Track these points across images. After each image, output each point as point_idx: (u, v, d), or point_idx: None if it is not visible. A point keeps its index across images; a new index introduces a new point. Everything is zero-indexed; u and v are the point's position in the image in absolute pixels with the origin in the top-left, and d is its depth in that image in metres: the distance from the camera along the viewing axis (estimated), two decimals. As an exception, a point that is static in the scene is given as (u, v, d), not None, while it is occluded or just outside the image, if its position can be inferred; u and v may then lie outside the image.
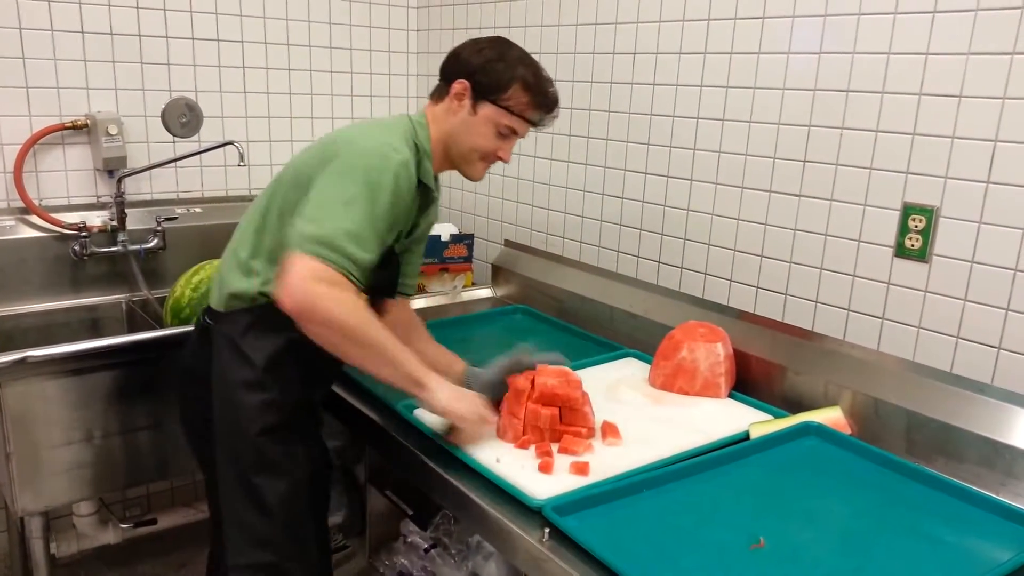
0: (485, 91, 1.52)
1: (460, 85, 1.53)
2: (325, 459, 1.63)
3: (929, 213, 1.56)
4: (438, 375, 1.44)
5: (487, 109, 1.53)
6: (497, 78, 1.52)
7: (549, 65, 2.36)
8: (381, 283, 1.55)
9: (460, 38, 1.64)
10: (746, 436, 1.55)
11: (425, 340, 1.75)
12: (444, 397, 1.41)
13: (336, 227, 1.33)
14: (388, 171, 1.39)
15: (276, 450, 1.49)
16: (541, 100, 1.55)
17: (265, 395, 1.48)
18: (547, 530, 1.21)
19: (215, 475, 1.56)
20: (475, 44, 1.57)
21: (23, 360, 1.78)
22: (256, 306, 1.49)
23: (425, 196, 1.58)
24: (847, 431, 1.58)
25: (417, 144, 1.52)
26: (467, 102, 1.53)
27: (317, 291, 1.30)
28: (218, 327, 1.53)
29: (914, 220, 1.58)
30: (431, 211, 1.65)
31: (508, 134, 1.56)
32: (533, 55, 1.58)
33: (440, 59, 1.61)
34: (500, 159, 1.59)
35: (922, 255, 1.58)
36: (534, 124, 1.58)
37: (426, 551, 1.61)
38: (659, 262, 2.14)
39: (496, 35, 1.63)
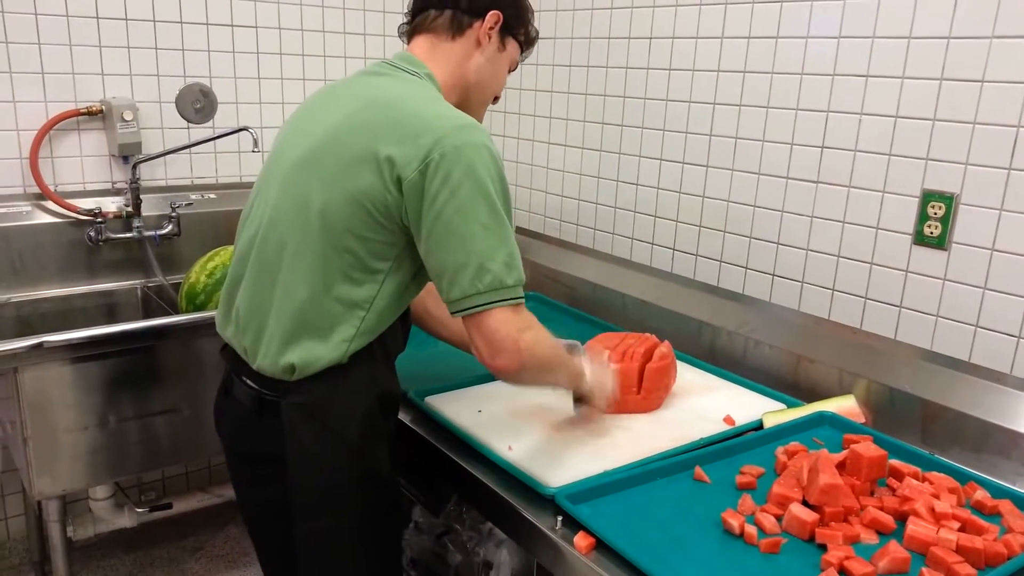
0: (514, 24, 1.38)
1: (494, 17, 1.34)
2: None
3: (949, 200, 1.54)
4: (580, 356, 1.42)
5: (511, 45, 1.40)
6: (522, 11, 1.40)
7: (563, 50, 2.35)
8: None
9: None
10: (760, 425, 1.54)
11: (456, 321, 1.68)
12: (591, 382, 1.42)
13: (497, 263, 1.16)
14: (491, 164, 1.18)
15: (389, 534, 1.37)
16: (535, 34, 1.46)
17: (366, 468, 1.30)
18: (560, 518, 1.21)
19: (294, 555, 1.34)
20: None
21: (40, 345, 1.79)
22: (337, 366, 1.25)
23: None
24: (861, 420, 1.57)
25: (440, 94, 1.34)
26: (495, 37, 1.36)
27: (527, 344, 1.18)
28: (287, 398, 1.27)
29: (933, 207, 1.56)
30: None
31: (513, 69, 1.45)
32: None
33: None
34: (496, 99, 1.48)
35: (941, 243, 1.56)
36: (520, 61, 1.48)
37: (438, 538, 1.61)
38: (673, 249, 2.12)
39: None
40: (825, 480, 1.20)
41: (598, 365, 1.47)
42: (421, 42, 1.36)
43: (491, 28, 1.35)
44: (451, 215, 1.15)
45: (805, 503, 1.22)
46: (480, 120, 1.40)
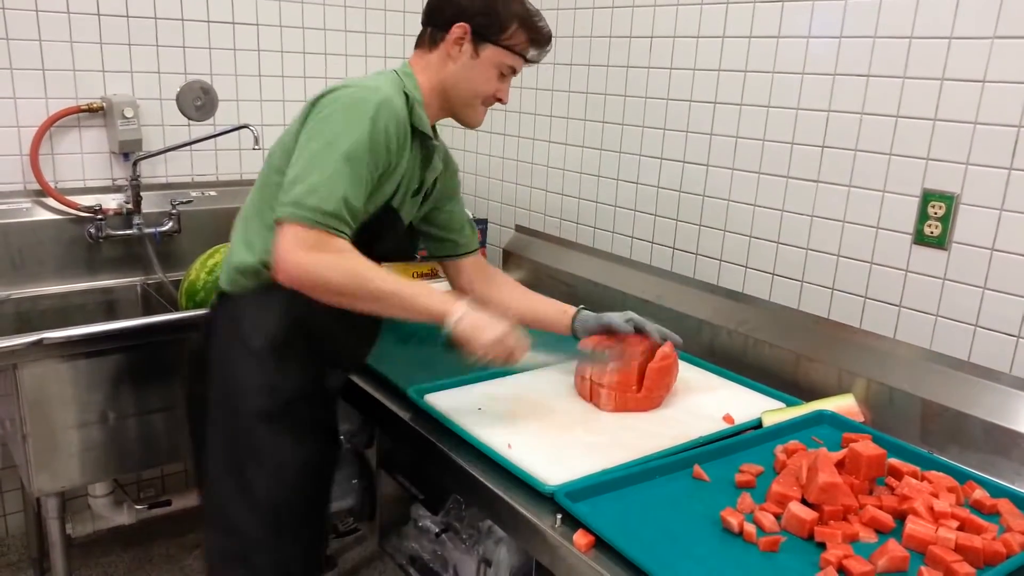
0: (487, 32, 1.50)
1: (460, 29, 1.49)
2: (326, 452, 1.58)
3: (949, 200, 1.54)
4: (461, 302, 1.40)
5: (489, 51, 1.51)
6: (497, 19, 1.49)
7: (565, 49, 2.35)
8: (389, 251, 1.53)
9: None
10: (759, 424, 1.54)
11: (517, 291, 1.77)
12: (465, 327, 1.38)
13: (308, 185, 1.32)
14: (365, 112, 1.36)
15: (266, 438, 1.46)
16: (537, 35, 1.53)
17: (263, 378, 1.45)
18: (559, 516, 1.21)
19: (207, 458, 1.53)
20: None
21: (39, 342, 1.79)
22: (260, 284, 1.46)
23: (424, 146, 1.54)
24: (860, 419, 1.57)
25: (406, 92, 1.48)
26: (467, 46, 1.50)
27: (303, 260, 1.30)
28: (223, 307, 1.53)
29: (934, 207, 1.56)
30: (435, 164, 1.58)
31: (508, 74, 1.55)
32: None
33: None
34: (500, 100, 1.57)
35: (941, 242, 1.56)
36: (531, 61, 1.57)
37: (437, 535, 1.61)
38: (673, 248, 2.12)
39: None
40: (824, 479, 1.20)
41: (476, 314, 1.41)
42: (415, 54, 1.57)
43: (458, 39, 1.50)
44: (311, 133, 1.38)
45: (804, 502, 1.22)
46: (477, 120, 1.58)
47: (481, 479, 1.33)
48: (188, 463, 2.62)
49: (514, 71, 1.55)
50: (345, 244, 1.34)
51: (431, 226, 1.72)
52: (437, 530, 1.61)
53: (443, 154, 1.64)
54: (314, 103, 1.42)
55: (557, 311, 1.73)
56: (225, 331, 1.50)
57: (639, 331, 1.63)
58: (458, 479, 1.40)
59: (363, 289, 1.34)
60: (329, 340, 1.49)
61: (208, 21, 2.45)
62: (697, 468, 1.34)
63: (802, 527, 1.17)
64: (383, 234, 1.49)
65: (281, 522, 1.49)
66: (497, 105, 1.58)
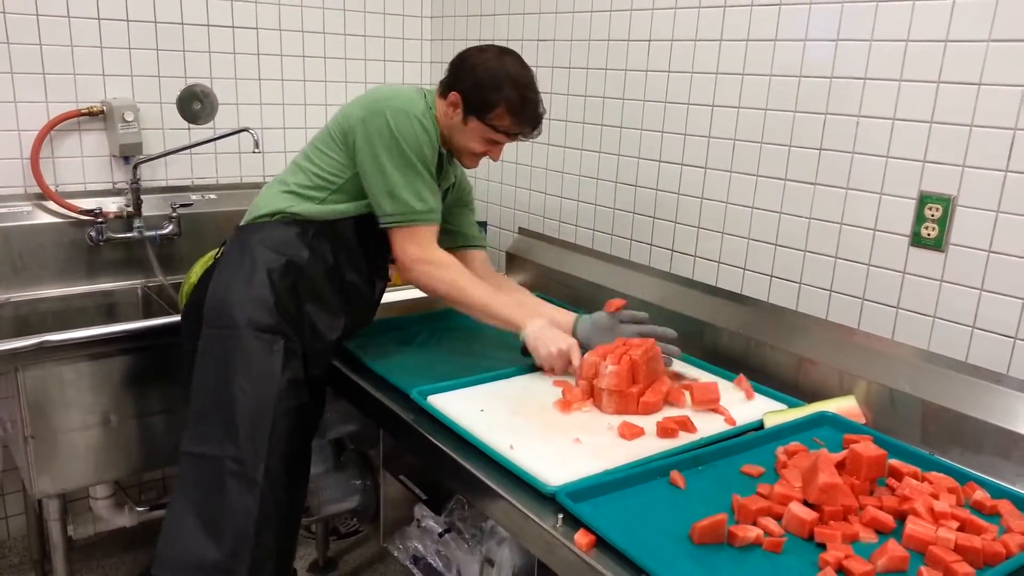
0: (474, 108, 1.68)
1: (454, 96, 1.69)
2: (304, 387, 1.67)
3: (946, 202, 1.55)
4: (537, 318, 1.71)
5: (474, 123, 1.70)
6: (484, 100, 1.67)
7: (562, 53, 2.36)
8: None
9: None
10: (760, 425, 1.55)
11: (519, 293, 1.96)
12: (533, 338, 1.68)
13: (401, 194, 1.65)
14: (412, 126, 1.65)
15: (255, 346, 1.59)
16: (522, 122, 1.71)
17: (258, 293, 1.62)
18: (561, 516, 1.22)
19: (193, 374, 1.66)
20: (480, 54, 1.71)
21: (41, 345, 1.80)
22: (275, 219, 1.70)
23: (440, 158, 1.76)
24: (861, 421, 1.58)
25: (429, 107, 1.72)
26: (459, 112, 1.70)
27: (422, 273, 1.70)
28: (234, 237, 1.73)
29: (931, 209, 1.58)
30: (447, 173, 1.84)
31: (493, 144, 1.75)
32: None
33: (453, 47, 1.64)
34: (490, 158, 1.80)
35: (938, 244, 1.57)
36: (518, 137, 1.75)
37: (440, 535, 1.62)
38: (672, 250, 2.13)
39: (503, 48, 1.76)
40: (824, 479, 1.21)
41: (543, 328, 1.70)
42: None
43: (452, 103, 1.70)
44: (376, 156, 1.66)
45: (805, 503, 1.23)
46: (470, 166, 1.85)
47: (483, 479, 1.34)
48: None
49: (498, 143, 1.74)
50: (447, 258, 1.72)
51: (443, 221, 1.85)
52: (440, 530, 1.61)
53: (459, 171, 1.92)
54: (367, 107, 1.70)
55: (561, 315, 1.85)
56: (232, 251, 1.70)
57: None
58: (461, 480, 1.41)
59: (461, 300, 1.71)
60: (320, 281, 1.72)
61: (208, 25, 2.46)
62: (674, 474, 1.34)
63: (802, 527, 1.18)
64: None
65: (261, 442, 1.56)
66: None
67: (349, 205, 1.73)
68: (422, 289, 1.73)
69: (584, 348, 1.71)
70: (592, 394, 1.59)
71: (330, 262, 1.73)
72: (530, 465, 1.34)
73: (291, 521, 1.68)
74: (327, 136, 1.74)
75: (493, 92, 1.66)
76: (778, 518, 1.21)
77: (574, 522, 1.20)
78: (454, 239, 1.96)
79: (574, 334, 1.78)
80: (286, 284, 1.65)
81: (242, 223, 1.76)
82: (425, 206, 1.68)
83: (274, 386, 1.60)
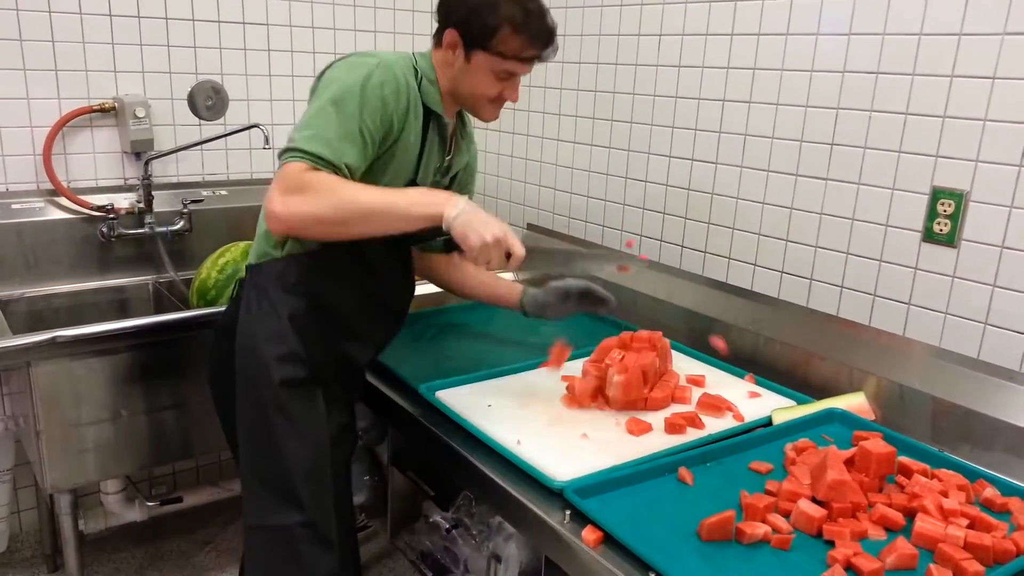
0: (474, 40, 1.45)
1: (450, 36, 1.47)
2: (351, 427, 1.60)
3: (958, 197, 1.54)
4: (457, 197, 1.37)
5: (479, 57, 1.46)
6: (483, 25, 1.43)
7: (573, 46, 2.35)
8: (426, 237, 1.56)
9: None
10: (769, 422, 1.54)
11: (472, 269, 1.81)
12: (463, 222, 1.33)
13: (297, 131, 1.35)
14: (360, 69, 1.38)
15: (296, 404, 1.46)
16: (532, 39, 1.45)
17: (287, 347, 1.46)
18: (568, 512, 1.22)
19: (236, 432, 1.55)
20: None
21: (53, 340, 1.81)
22: (287, 256, 1.49)
23: (440, 126, 1.53)
24: (871, 417, 1.57)
25: (417, 68, 1.48)
26: (460, 52, 1.47)
27: (288, 202, 1.31)
28: (249, 280, 1.54)
29: (943, 204, 1.56)
30: (462, 149, 1.63)
31: (507, 77, 1.49)
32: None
33: None
34: (507, 99, 1.53)
35: (950, 240, 1.56)
36: (535, 61, 1.49)
37: (447, 531, 1.62)
38: (682, 246, 2.12)
39: None
40: (833, 476, 1.20)
41: (473, 212, 1.36)
42: (433, 48, 1.54)
43: (450, 45, 1.47)
44: (309, 106, 1.40)
45: (814, 500, 1.22)
46: (488, 118, 1.56)
47: (491, 475, 1.34)
48: (199, 459, 2.64)
49: (513, 74, 1.49)
50: (328, 177, 1.33)
51: None
52: (448, 526, 1.61)
53: (472, 148, 1.68)
54: (320, 75, 1.45)
55: (507, 287, 1.82)
56: (250, 302, 1.51)
57: (589, 293, 1.79)
58: (468, 475, 1.41)
59: (353, 211, 1.33)
60: (348, 313, 1.53)
61: (219, 21, 2.46)
62: (683, 470, 1.34)
63: (811, 524, 1.17)
64: None
65: (324, 497, 1.47)
66: (507, 104, 1.57)
67: None
68: (292, 224, 1.35)
69: (537, 318, 1.76)
70: (599, 394, 1.58)
71: (356, 288, 1.53)
72: (537, 460, 1.34)
73: (356, 553, 1.64)
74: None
75: (490, 14, 1.43)
76: (786, 515, 1.21)
77: (581, 518, 1.20)
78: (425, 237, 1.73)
79: (523, 310, 1.79)
80: (313, 330, 1.49)
81: (252, 259, 1.56)
82: (319, 151, 1.33)
83: (325, 439, 1.49)
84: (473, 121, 1.69)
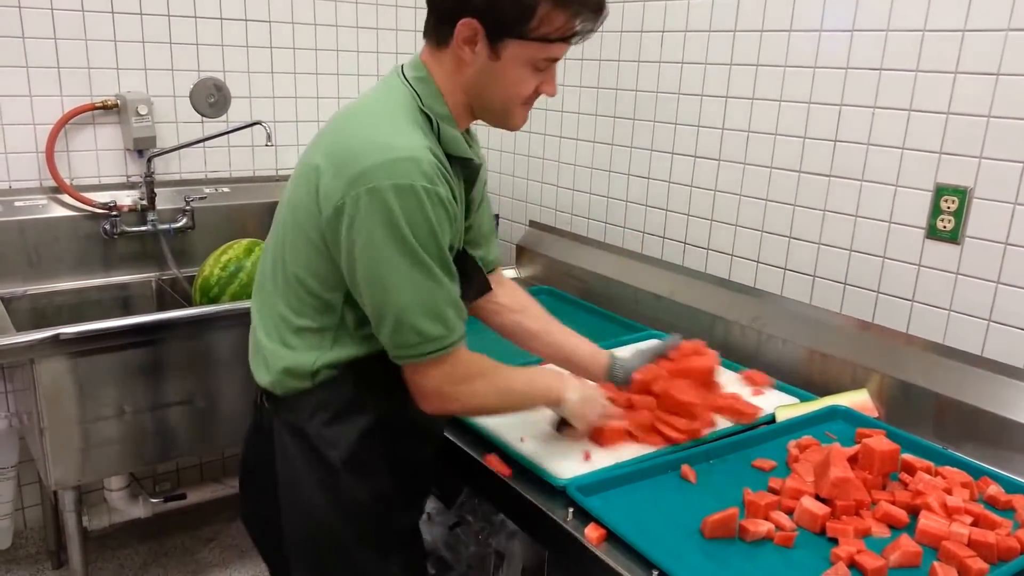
0: (504, 27, 1.13)
1: (467, 28, 1.14)
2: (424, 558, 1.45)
3: (962, 194, 1.53)
4: (572, 381, 1.36)
5: (512, 48, 1.15)
6: (515, 4, 1.12)
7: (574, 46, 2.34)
8: (473, 293, 1.38)
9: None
10: (772, 419, 1.54)
11: (545, 322, 1.53)
12: (576, 407, 1.34)
13: (416, 316, 1.14)
14: (414, 207, 1.10)
15: (376, 555, 1.28)
16: (580, 6, 1.15)
17: (351, 503, 1.24)
18: (571, 510, 1.22)
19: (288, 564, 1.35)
20: None
21: (56, 337, 1.81)
22: (319, 384, 1.23)
23: (467, 167, 1.26)
24: (874, 415, 1.56)
25: (427, 112, 1.19)
26: (482, 47, 1.15)
27: (448, 399, 1.22)
28: (279, 415, 1.28)
29: (947, 201, 1.56)
30: (480, 178, 1.36)
31: (546, 67, 1.20)
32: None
33: None
34: (544, 93, 1.23)
35: (954, 237, 1.55)
36: (582, 36, 1.19)
37: (451, 528, 1.62)
38: (685, 243, 2.12)
39: None
40: (836, 474, 1.20)
41: (584, 390, 1.37)
42: (425, 48, 1.23)
43: (467, 39, 1.16)
44: (367, 262, 1.13)
45: (817, 497, 1.22)
46: (518, 124, 1.26)
47: (494, 473, 1.34)
48: (202, 456, 2.65)
49: (556, 59, 1.20)
50: (481, 363, 1.25)
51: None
52: (451, 524, 1.62)
53: (480, 153, 1.36)
54: (323, 175, 1.15)
55: (589, 352, 1.52)
56: (288, 446, 1.27)
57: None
58: (471, 473, 1.41)
59: (500, 405, 1.32)
60: (413, 423, 1.31)
61: (221, 18, 2.46)
62: (685, 468, 1.33)
63: (814, 522, 1.17)
64: (466, 277, 1.29)
65: None
66: None
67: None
68: (456, 413, 1.37)
69: (625, 379, 1.48)
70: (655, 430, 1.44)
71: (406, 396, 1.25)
72: (541, 459, 1.34)
73: None
74: (304, 228, 1.19)
75: None
76: (789, 512, 1.21)
77: (584, 516, 1.20)
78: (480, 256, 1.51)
79: (613, 378, 1.48)
80: (372, 474, 1.26)
81: (270, 386, 1.27)
82: (446, 329, 1.16)
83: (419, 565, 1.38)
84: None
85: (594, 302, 2.24)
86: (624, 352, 1.56)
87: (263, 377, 1.28)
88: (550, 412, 1.41)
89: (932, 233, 1.59)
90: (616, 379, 1.47)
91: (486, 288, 1.43)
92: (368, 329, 1.21)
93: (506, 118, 1.25)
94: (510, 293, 1.52)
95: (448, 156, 1.20)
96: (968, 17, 1.49)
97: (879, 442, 1.28)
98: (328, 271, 1.19)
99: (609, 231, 2.35)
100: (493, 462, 1.36)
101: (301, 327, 1.23)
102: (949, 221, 1.56)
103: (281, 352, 1.24)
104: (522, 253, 2.57)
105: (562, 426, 1.41)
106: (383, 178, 1.09)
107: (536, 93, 1.22)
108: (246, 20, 2.50)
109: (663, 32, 2.08)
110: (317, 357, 1.23)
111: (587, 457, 1.36)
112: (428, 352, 1.16)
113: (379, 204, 1.09)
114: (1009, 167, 1.46)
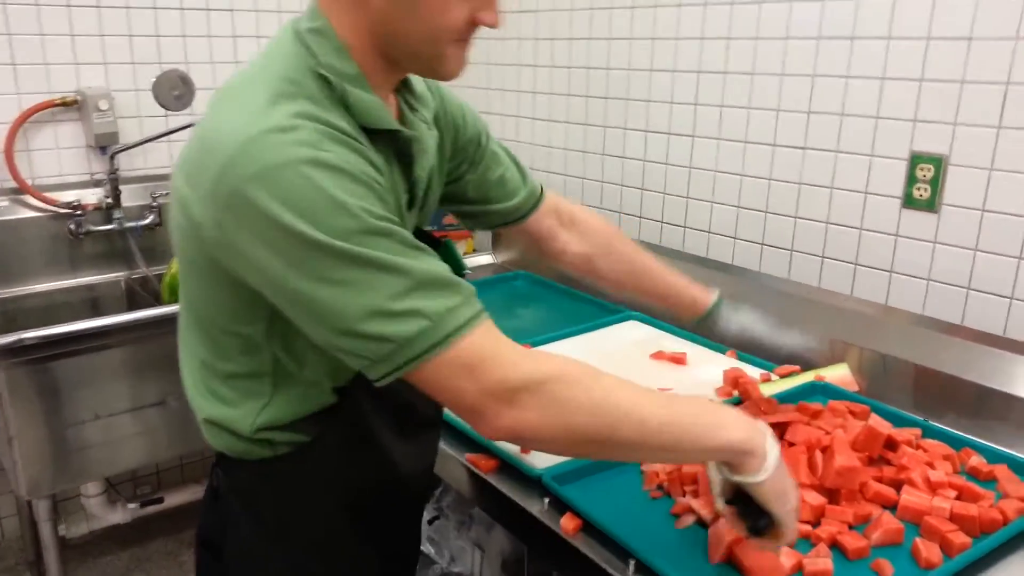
0: None
1: None
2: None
3: (938, 161, 1.50)
4: (768, 433, 0.91)
5: None
6: None
7: (544, 23, 2.30)
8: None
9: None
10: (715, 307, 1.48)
11: (631, 249, 1.32)
12: (776, 482, 0.89)
13: (362, 331, 0.80)
14: (298, 187, 0.78)
15: None
16: None
17: (316, 568, 1.04)
18: (547, 500, 1.19)
19: None
20: None
21: (19, 342, 1.77)
22: (268, 445, 0.98)
23: (395, 141, 0.95)
24: (854, 388, 1.54)
25: (324, 75, 0.86)
26: None
27: (504, 418, 0.82)
28: (228, 480, 1.03)
29: (922, 169, 1.53)
30: (423, 149, 1.01)
31: None
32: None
33: None
34: (485, 23, 0.90)
35: (931, 205, 1.53)
36: None
37: (430, 522, 1.59)
38: (662, 222, 2.09)
39: None
40: (842, 462, 1.14)
41: (782, 465, 0.91)
42: None
43: None
44: (271, 289, 0.83)
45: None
46: (451, 69, 0.92)
47: (468, 464, 1.31)
48: (183, 457, 2.61)
49: None
50: (556, 362, 0.86)
51: (460, 204, 1.23)
52: (429, 518, 1.59)
53: (433, 120, 1.08)
54: (196, 196, 0.83)
55: (698, 290, 1.36)
56: (245, 521, 1.02)
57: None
58: (445, 465, 1.37)
59: (599, 424, 0.83)
60: (406, 485, 1.11)
61: (181, 8, 2.40)
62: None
63: (812, 515, 1.12)
64: None
65: None
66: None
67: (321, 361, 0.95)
68: (517, 441, 0.88)
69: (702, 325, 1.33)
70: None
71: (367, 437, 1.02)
72: (516, 448, 1.31)
73: None
74: (190, 255, 0.90)
75: None
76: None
77: (561, 505, 1.17)
78: (490, 218, 1.26)
79: (708, 316, 1.32)
80: (349, 560, 1.07)
81: (214, 446, 1.03)
82: (424, 319, 0.80)
83: None
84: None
85: (571, 286, 2.20)
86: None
87: (209, 436, 1.02)
88: (715, 477, 0.94)
89: (908, 203, 1.56)
90: (715, 317, 1.31)
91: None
92: (318, 371, 0.96)
93: (436, 62, 0.91)
94: (579, 233, 1.30)
95: (366, 130, 0.90)
96: (938, -20, 1.46)
97: (879, 423, 1.25)
98: (235, 302, 0.90)
99: (585, 212, 2.31)
100: (476, 460, 1.31)
101: (229, 373, 0.96)
102: (925, 190, 1.53)
103: (206, 400, 0.99)
104: (498, 238, 2.53)
105: (761, 524, 0.90)
106: (240, 173, 0.78)
107: (472, 25, 0.89)
108: (208, 9, 2.44)
109: (633, 8, 2.04)
110: (259, 410, 0.96)
111: None
112: (415, 356, 0.81)
113: (245, 210, 0.78)
114: (983, 132, 1.44)
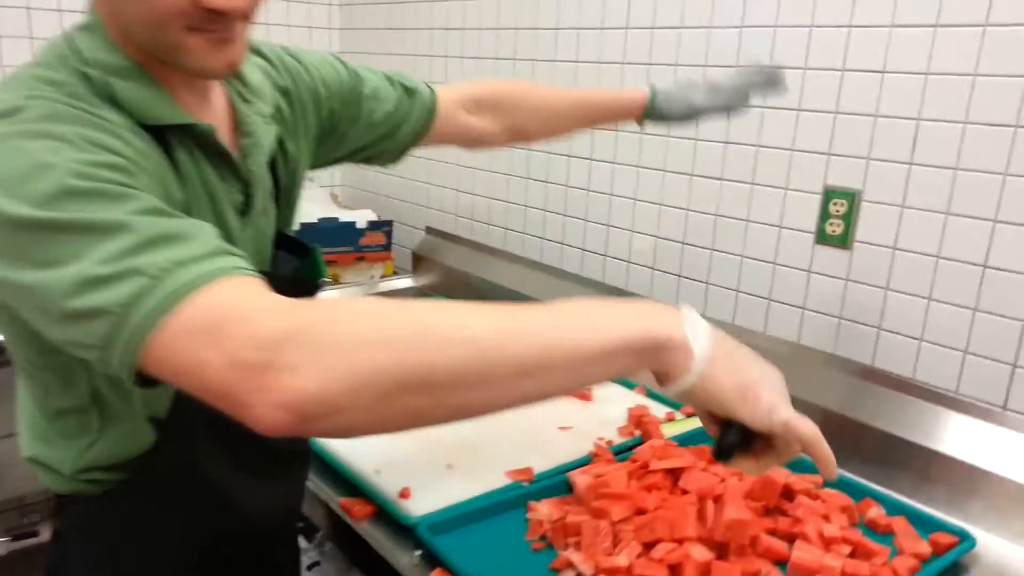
0: None
1: None
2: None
3: (851, 196, 1.46)
4: (687, 312, 0.71)
5: None
6: None
7: (471, 41, 2.23)
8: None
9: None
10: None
11: (558, 94, 1.28)
12: (721, 368, 0.72)
13: (71, 309, 0.64)
14: (3, 158, 0.67)
15: None
16: None
17: None
18: (418, 553, 1.09)
19: None
20: None
21: None
22: (85, 494, 0.91)
23: (201, 145, 0.85)
24: (764, 431, 1.48)
25: (86, 72, 0.77)
26: None
27: (269, 393, 0.58)
28: (64, 517, 0.96)
29: (835, 204, 1.48)
30: (252, 152, 0.92)
31: None
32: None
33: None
34: (209, 6, 0.75)
35: (843, 241, 1.48)
36: None
37: (308, 568, 1.48)
38: (583, 250, 2.02)
39: None
40: (732, 515, 1.07)
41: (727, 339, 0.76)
42: None
43: None
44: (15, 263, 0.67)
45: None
46: (201, 62, 0.80)
47: (337, 510, 1.21)
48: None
49: None
50: (344, 301, 0.65)
51: (359, 152, 1.17)
52: (308, 563, 1.48)
53: (287, 106, 1.01)
54: None
55: (628, 93, 1.29)
56: (83, 560, 0.96)
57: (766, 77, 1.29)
58: (316, 510, 1.27)
59: (442, 353, 0.60)
60: (244, 517, 1.02)
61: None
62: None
63: (698, 571, 1.04)
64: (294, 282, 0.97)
65: None
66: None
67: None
68: (331, 406, 0.58)
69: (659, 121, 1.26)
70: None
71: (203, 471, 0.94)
72: (394, 492, 1.21)
73: None
74: None
75: None
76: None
77: (433, 559, 1.08)
78: (395, 142, 1.17)
79: (654, 110, 1.25)
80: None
81: (46, 483, 0.93)
82: (145, 278, 0.62)
83: None
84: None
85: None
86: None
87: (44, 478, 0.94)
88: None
89: (822, 238, 1.52)
90: (659, 106, 1.24)
91: (309, 282, 1.02)
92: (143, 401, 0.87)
93: (178, 54, 0.78)
94: (491, 112, 1.23)
95: (153, 128, 0.80)
96: (853, 14, 1.42)
97: (777, 471, 1.18)
98: (14, 327, 0.83)
99: (509, 237, 2.24)
100: (349, 507, 1.21)
101: (56, 410, 0.89)
102: (839, 225, 1.49)
103: (30, 445, 0.93)
104: (419, 261, 2.44)
105: (725, 442, 0.75)
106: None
107: (200, 9, 0.76)
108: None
109: (557, 31, 1.98)
110: (84, 449, 0.89)
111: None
112: (138, 328, 0.62)
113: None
114: (895, 168, 1.40)
